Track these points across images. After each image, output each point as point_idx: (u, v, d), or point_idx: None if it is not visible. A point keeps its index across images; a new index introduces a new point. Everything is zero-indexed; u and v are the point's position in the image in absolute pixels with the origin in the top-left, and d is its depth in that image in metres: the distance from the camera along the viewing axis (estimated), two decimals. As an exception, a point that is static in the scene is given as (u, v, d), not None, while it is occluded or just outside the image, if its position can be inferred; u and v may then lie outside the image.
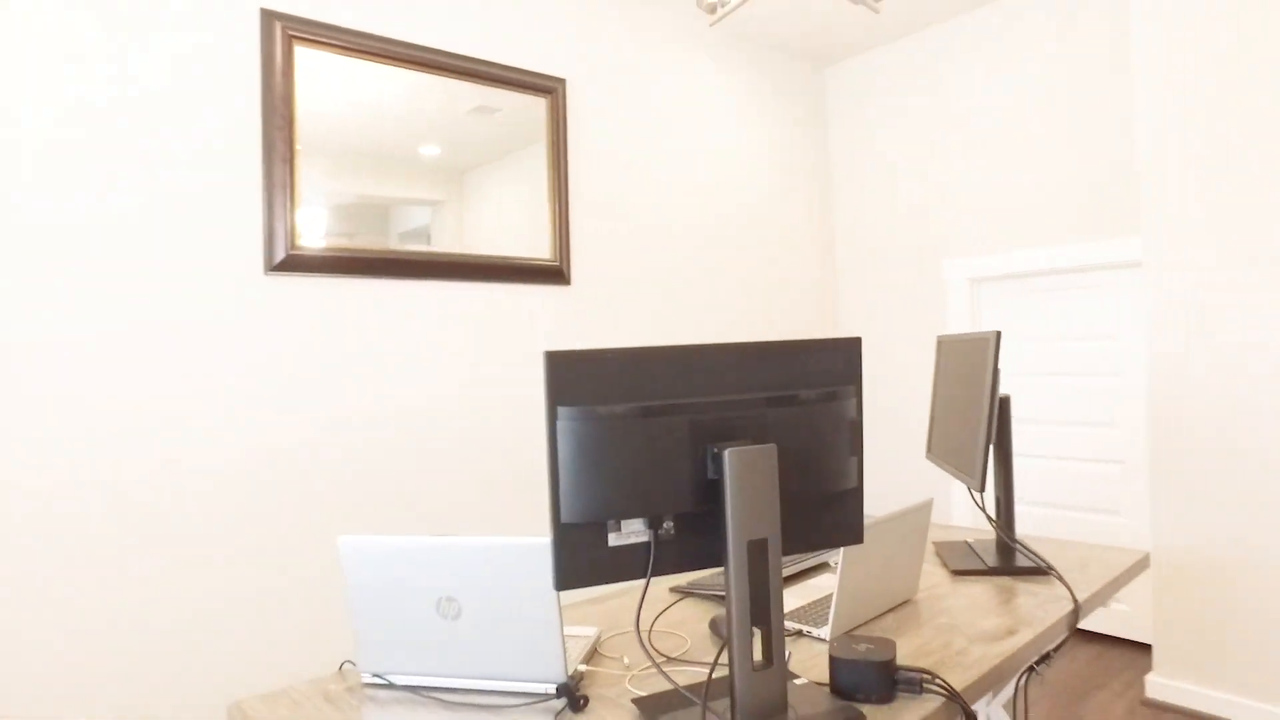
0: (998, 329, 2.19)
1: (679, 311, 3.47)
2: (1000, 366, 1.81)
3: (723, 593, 1.66)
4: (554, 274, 2.95)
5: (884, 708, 1.14)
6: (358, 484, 2.56)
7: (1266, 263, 2.52)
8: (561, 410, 1.07)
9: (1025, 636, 1.39)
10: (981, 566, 1.76)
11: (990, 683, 1.27)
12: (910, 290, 3.89)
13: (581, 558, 1.10)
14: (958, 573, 1.77)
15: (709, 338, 3.58)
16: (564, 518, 1.08)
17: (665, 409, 1.12)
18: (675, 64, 3.51)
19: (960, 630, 1.43)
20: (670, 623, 1.54)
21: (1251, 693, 2.58)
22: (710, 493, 1.14)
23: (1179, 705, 2.73)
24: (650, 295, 3.37)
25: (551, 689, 1.20)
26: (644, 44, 3.38)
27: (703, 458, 1.13)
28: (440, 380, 2.73)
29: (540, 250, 2.91)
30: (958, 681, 1.22)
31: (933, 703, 1.15)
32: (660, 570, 1.14)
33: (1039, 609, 1.53)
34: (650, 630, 1.50)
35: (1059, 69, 3.32)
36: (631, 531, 1.14)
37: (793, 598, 1.64)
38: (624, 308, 3.27)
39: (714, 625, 1.47)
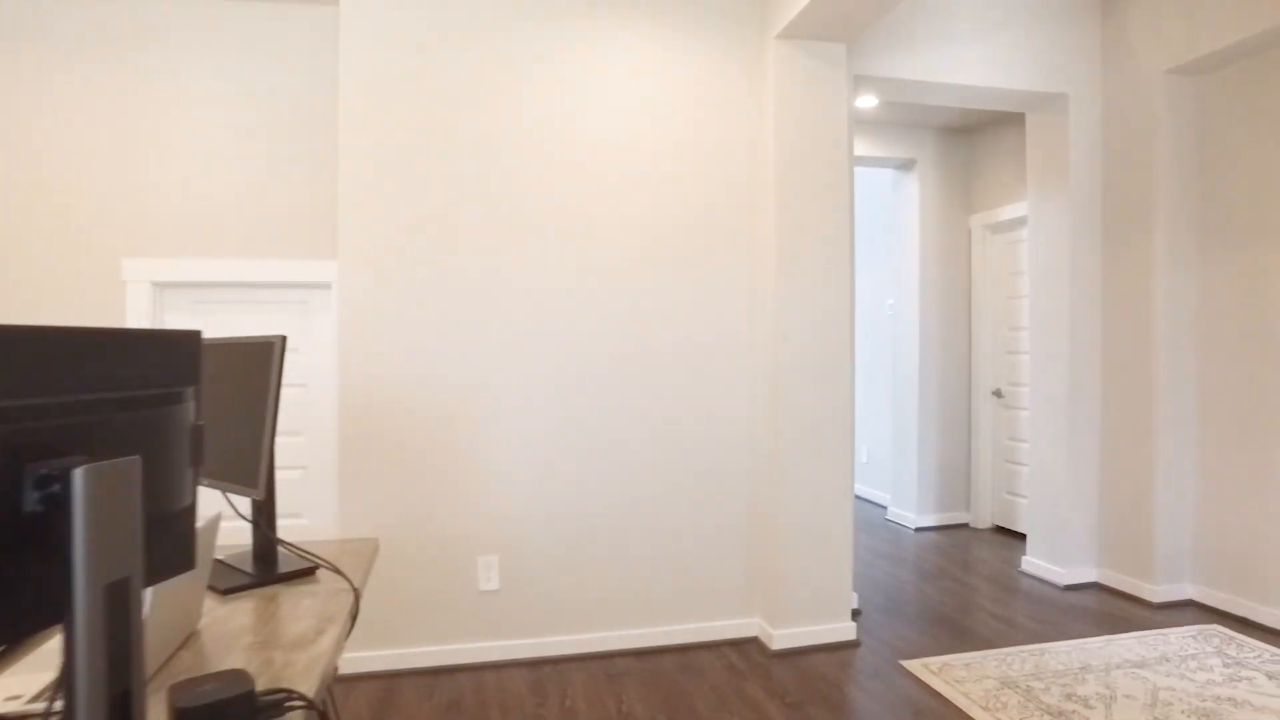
0: (283, 334, 2.12)
1: None
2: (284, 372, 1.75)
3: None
4: None
5: (247, 744, 1.01)
6: None
7: (418, 295, 3.15)
8: None
9: (335, 631, 1.42)
10: (251, 579, 1.68)
11: (326, 680, 1.26)
12: (82, 288, 3.28)
13: None
14: (227, 591, 1.64)
15: None
16: None
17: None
18: None
19: (273, 644, 1.35)
20: None
21: (421, 640, 3.16)
22: (20, 535, 0.80)
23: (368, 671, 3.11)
24: None
25: None
26: None
27: (14, 484, 0.78)
28: None
29: None
30: (304, 690, 1.17)
31: (294, 718, 1.08)
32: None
33: (329, 604, 1.57)
34: None
35: (276, 97, 3.38)
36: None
37: (15, 680, 1.24)
38: None
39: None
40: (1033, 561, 4.33)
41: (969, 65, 3.90)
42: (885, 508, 6.10)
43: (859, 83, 3.84)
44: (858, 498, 6.54)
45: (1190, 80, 3.84)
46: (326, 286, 3.42)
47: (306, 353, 3.49)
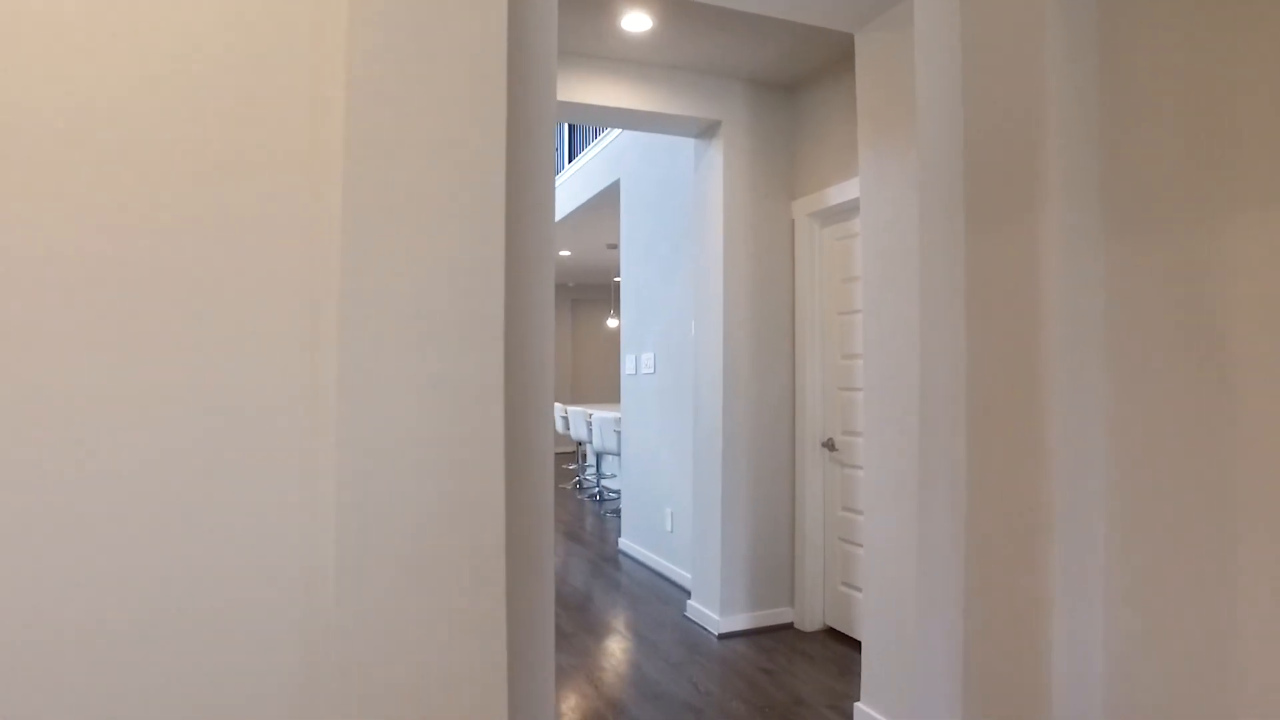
0: None
1: None
2: None
3: None
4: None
5: None
6: None
7: None
8: None
9: None
10: None
11: None
12: None
13: None
14: None
15: None
16: None
17: None
18: None
19: None
20: None
21: None
22: None
23: None
24: None
25: None
26: None
27: None
28: None
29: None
30: None
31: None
32: None
33: None
34: None
35: None
36: None
37: None
38: None
39: None
40: (870, 715, 2.84)
41: (763, -66, 2.43)
42: (691, 593, 4.55)
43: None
44: (660, 577, 4.97)
45: (1086, -23, 2.50)
46: None
47: None
